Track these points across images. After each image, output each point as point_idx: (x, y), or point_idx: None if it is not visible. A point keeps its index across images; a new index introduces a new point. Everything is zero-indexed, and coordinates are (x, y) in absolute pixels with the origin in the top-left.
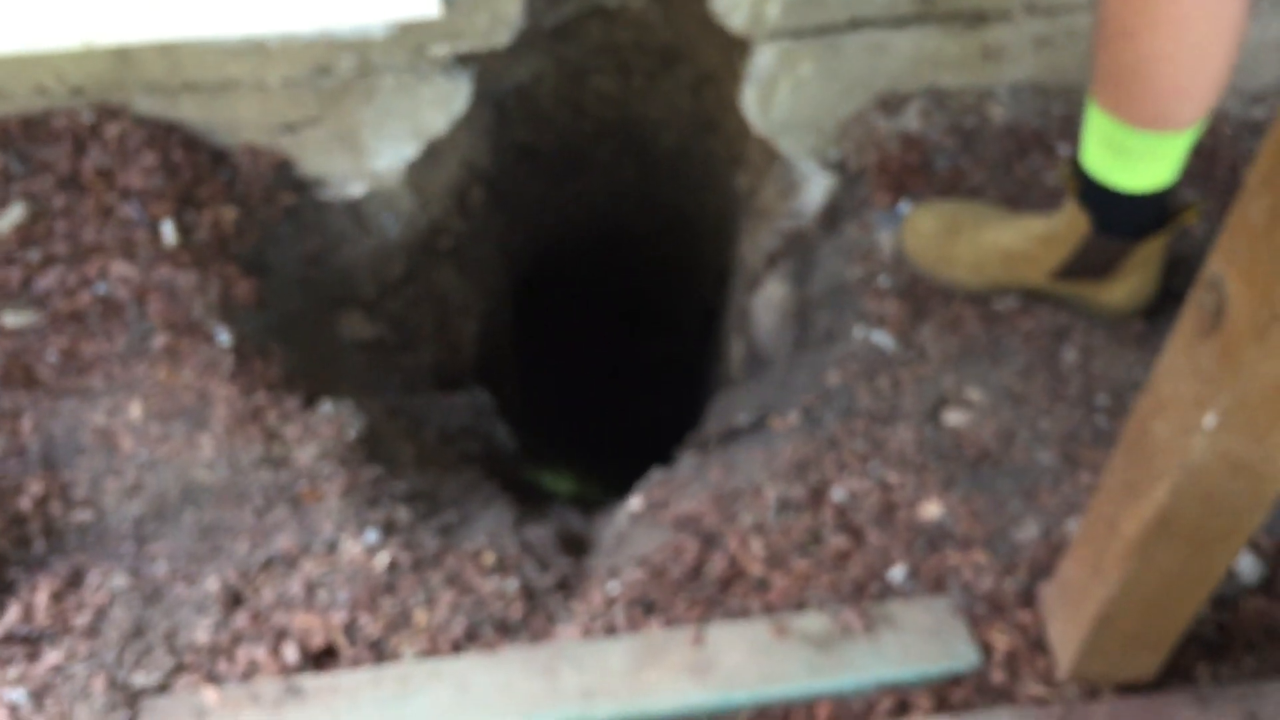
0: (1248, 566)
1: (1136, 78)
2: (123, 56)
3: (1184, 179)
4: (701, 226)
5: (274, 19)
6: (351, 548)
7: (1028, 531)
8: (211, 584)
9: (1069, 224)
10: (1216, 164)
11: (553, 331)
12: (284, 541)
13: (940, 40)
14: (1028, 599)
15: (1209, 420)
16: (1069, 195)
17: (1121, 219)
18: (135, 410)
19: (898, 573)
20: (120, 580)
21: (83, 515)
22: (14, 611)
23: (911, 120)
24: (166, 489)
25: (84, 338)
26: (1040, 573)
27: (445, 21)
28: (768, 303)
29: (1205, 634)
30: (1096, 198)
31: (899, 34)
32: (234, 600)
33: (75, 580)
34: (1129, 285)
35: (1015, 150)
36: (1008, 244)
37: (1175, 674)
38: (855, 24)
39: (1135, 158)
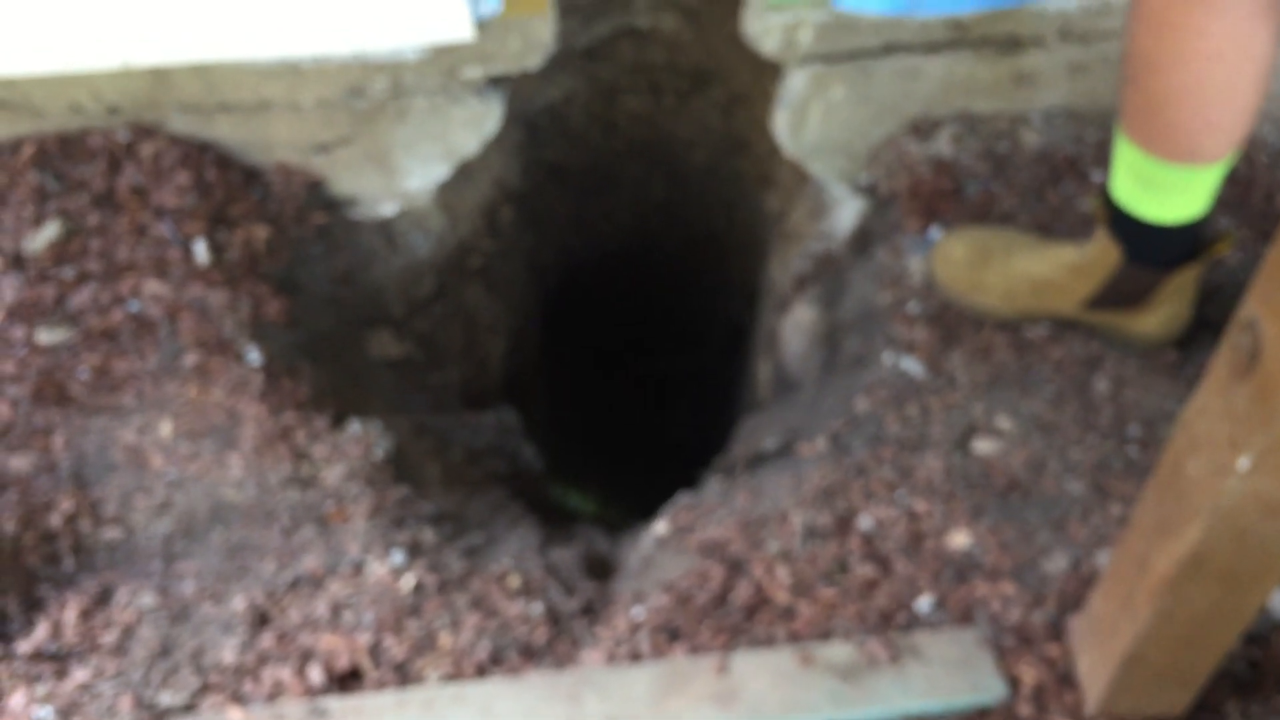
0: None
1: (1164, 112)
2: (159, 76)
3: (1218, 206)
4: (730, 246)
5: (309, 42)
6: (377, 569)
7: (1057, 563)
8: (238, 603)
9: (1100, 254)
10: (1252, 192)
11: (580, 350)
12: (310, 562)
13: (973, 65)
14: (1056, 632)
15: (1243, 462)
16: (1100, 225)
17: (1153, 249)
18: (165, 428)
19: (925, 603)
20: (148, 599)
21: (112, 533)
22: (43, 629)
23: (943, 145)
24: (195, 507)
25: (116, 355)
26: (1069, 605)
27: (478, 45)
28: (796, 325)
29: (1236, 670)
30: (1127, 228)
31: (931, 59)
32: (260, 620)
33: (104, 598)
34: (1161, 315)
35: (1048, 176)
36: (1039, 273)
37: (1205, 710)
38: (888, 49)
39: (1165, 190)
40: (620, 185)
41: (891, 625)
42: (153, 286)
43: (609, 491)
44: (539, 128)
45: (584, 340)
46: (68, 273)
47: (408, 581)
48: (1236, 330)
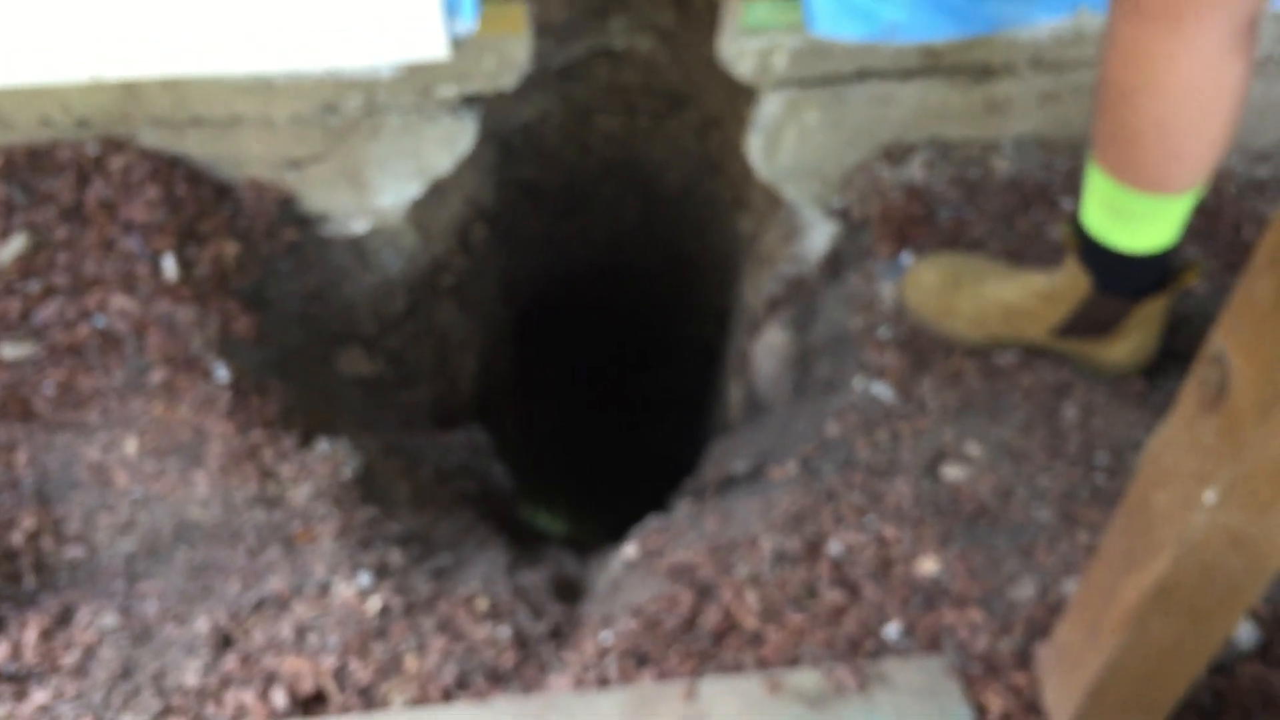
0: (1245, 633)
1: (1137, 141)
2: (130, 90)
3: (1186, 237)
4: (703, 268)
5: (283, 58)
6: (344, 590)
7: (1025, 590)
8: (202, 625)
9: (1070, 282)
10: (1220, 222)
11: (552, 369)
12: (276, 583)
13: (945, 93)
14: (1024, 660)
15: (1209, 496)
16: (1070, 253)
17: (1122, 278)
18: (131, 446)
19: (893, 630)
20: (110, 619)
21: (74, 551)
22: (2, 649)
23: (915, 171)
24: (160, 526)
25: (81, 371)
26: (1037, 633)
27: (453, 63)
28: (768, 348)
29: (1201, 700)
30: (1097, 257)
31: (905, 86)
32: (224, 642)
33: (65, 618)
34: (1130, 344)
35: (1018, 203)
36: (1009, 300)
37: None
38: (862, 75)
39: (1136, 219)
40: (594, 205)
41: (859, 652)
42: (120, 301)
43: (579, 512)
44: (513, 147)
45: (556, 360)
46: (34, 286)
47: (374, 604)
48: (1204, 364)
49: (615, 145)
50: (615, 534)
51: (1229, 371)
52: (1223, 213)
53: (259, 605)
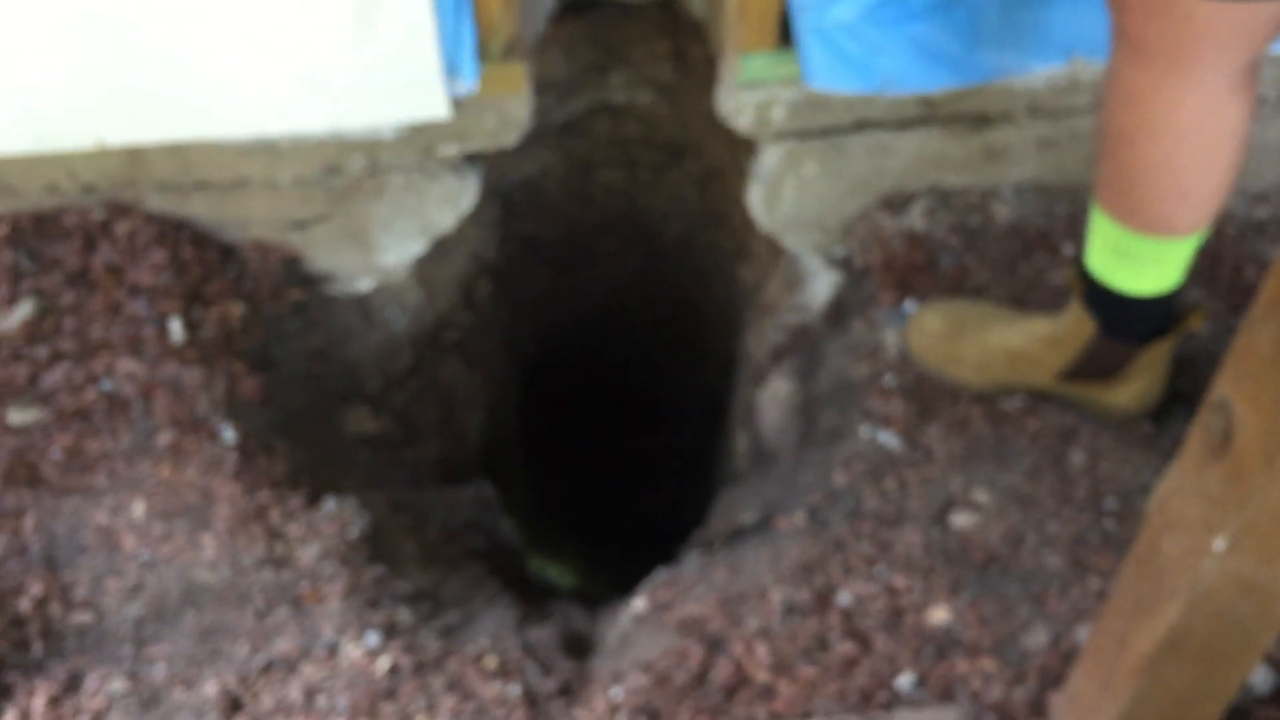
0: (1260, 677)
1: (1139, 184)
2: (135, 156)
3: (1188, 279)
4: (706, 319)
5: (286, 121)
6: (352, 651)
7: (1037, 638)
8: (210, 689)
9: (1075, 326)
10: (1220, 264)
11: (558, 423)
12: (284, 644)
13: (943, 142)
14: (1038, 709)
15: (1219, 543)
16: (1074, 297)
17: (1127, 322)
18: (138, 509)
19: (905, 681)
20: (118, 684)
21: (82, 617)
22: (11, 717)
23: (916, 219)
24: (167, 590)
25: (89, 435)
26: (1050, 681)
27: (454, 123)
28: (773, 398)
29: None
30: (1102, 300)
31: (903, 135)
32: (232, 706)
33: (73, 684)
34: (1136, 387)
35: (1020, 250)
36: (1013, 345)
37: None
38: (860, 126)
39: (1140, 262)
40: (597, 258)
41: (872, 704)
42: (127, 365)
43: (588, 565)
44: (515, 202)
45: (561, 414)
46: (40, 352)
47: (383, 663)
48: (1208, 411)
49: (617, 198)
50: (624, 587)
51: (1233, 419)
52: (1223, 254)
53: (267, 667)
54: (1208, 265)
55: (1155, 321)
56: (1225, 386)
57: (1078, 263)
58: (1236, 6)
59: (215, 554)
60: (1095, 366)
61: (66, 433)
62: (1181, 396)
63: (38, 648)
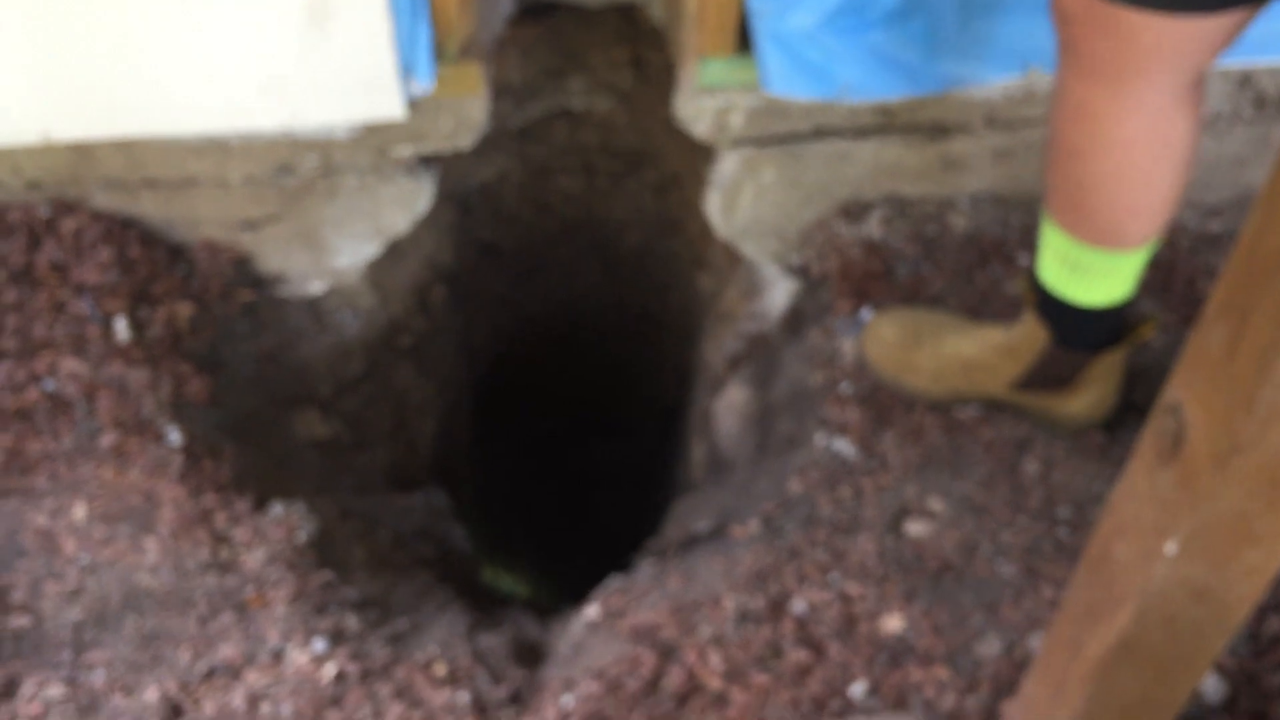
0: (1211, 687)
1: (1087, 197)
2: (82, 152)
3: (1141, 290)
4: (664, 326)
5: (237, 118)
6: (298, 657)
7: (990, 647)
8: (150, 695)
9: (1028, 336)
10: (1174, 276)
11: (512, 431)
12: (228, 650)
13: (901, 151)
14: (991, 717)
15: (1170, 547)
16: (1027, 308)
17: (1079, 332)
18: (79, 511)
19: (858, 689)
20: (56, 690)
21: (19, 621)
22: None
23: (873, 228)
24: (108, 594)
25: (30, 436)
26: (1003, 690)
27: (410, 124)
28: (729, 406)
29: None
30: (1054, 311)
31: (861, 144)
32: (173, 713)
33: (9, 690)
34: (1089, 397)
35: (976, 259)
36: (968, 354)
37: None
38: (818, 133)
39: (1090, 274)
40: (554, 265)
41: (825, 712)
42: (70, 365)
43: (541, 573)
44: (472, 207)
45: (516, 421)
46: None
47: (329, 670)
48: (1160, 415)
49: (574, 205)
50: (577, 595)
51: (1185, 422)
52: (1177, 267)
53: (210, 674)
54: (1161, 278)
55: (1107, 331)
56: (1177, 389)
57: (1030, 273)
58: (1179, 24)
59: (158, 558)
60: (1049, 376)
61: (6, 433)
62: (1135, 407)
63: None
